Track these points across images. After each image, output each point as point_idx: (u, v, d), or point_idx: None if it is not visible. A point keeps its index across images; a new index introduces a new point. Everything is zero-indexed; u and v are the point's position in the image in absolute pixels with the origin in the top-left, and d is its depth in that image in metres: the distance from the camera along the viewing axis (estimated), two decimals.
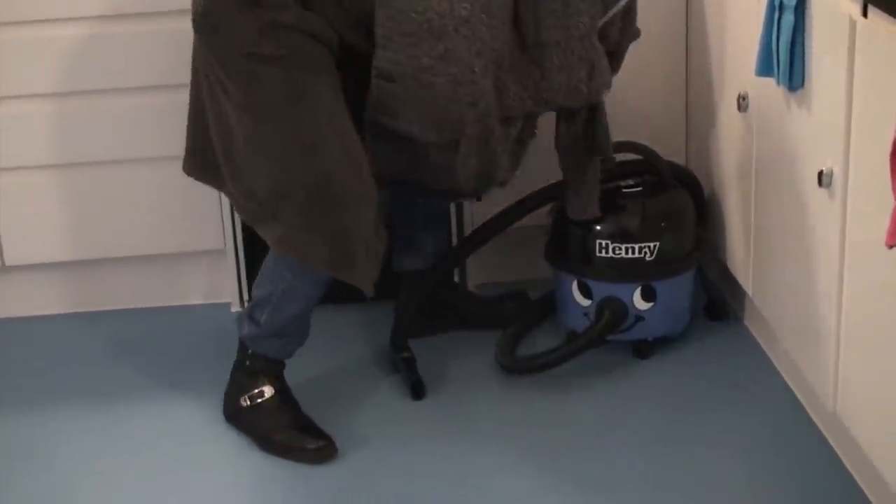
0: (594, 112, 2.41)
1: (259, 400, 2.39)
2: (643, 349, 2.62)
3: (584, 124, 2.42)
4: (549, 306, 2.73)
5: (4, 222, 2.83)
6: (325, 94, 2.21)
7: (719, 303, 2.77)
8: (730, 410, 2.44)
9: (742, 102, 2.43)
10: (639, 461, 2.30)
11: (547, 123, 2.44)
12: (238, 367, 2.43)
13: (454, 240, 2.80)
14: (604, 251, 2.54)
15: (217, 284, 2.93)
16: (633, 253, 2.53)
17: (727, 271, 2.70)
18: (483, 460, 2.32)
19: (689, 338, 2.67)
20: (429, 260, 2.66)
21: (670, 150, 2.74)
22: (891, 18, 1.82)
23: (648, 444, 2.35)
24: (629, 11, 2.38)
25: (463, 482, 2.27)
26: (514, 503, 2.21)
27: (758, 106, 2.39)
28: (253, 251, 2.80)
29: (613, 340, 2.60)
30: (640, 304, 2.57)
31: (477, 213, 2.76)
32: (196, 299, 2.94)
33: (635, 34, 2.43)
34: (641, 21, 2.44)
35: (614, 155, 2.52)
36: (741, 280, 2.61)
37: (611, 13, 2.32)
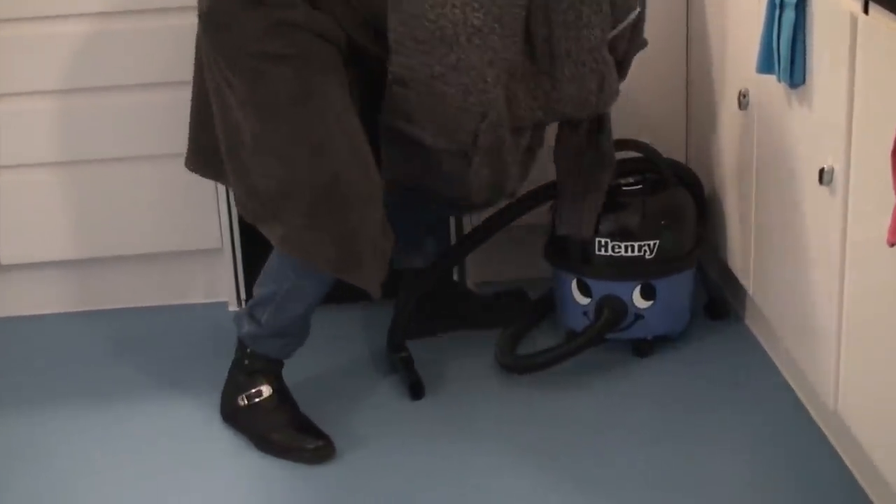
0: (600, 122, 2.41)
1: (257, 399, 2.38)
2: (643, 348, 2.62)
3: (588, 134, 2.42)
4: (548, 305, 2.73)
5: (2, 221, 2.82)
6: (333, 93, 2.20)
7: (719, 301, 2.76)
8: (730, 409, 2.44)
9: (743, 100, 2.42)
10: (638, 460, 2.30)
11: (549, 128, 2.44)
12: (236, 366, 2.42)
13: (453, 238, 2.80)
14: (603, 249, 2.53)
15: (214, 283, 2.92)
16: (633, 251, 2.53)
17: (727, 270, 2.69)
18: (482, 460, 2.31)
19: (689, 337, 2.67)
20: (429, 258, 2.66)
21: (670, 148, 2.74)
22: (892, 15, 1.82)
23: (648, 443, 2.35)
24: (637, 23, 2.39)
25: (462, 482, 2.26)
26: (513, 502, 2.21)
27: (758, 103, 2.38)
28: (250, 250, 2.79)
29: (613, 339, 2.60)
30: (640, 302, 2.56)
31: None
32: (193, 298, 2.93)
33: (642, 44, 2.44)
34: None
35: (614, 153, 2.51)
36: (741, 278, 2.60)
37: (621, 26, 2.34)
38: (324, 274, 2.28)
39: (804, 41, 2.12)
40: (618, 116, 2.51)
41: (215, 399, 2.45)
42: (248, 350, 2.39)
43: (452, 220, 2.81)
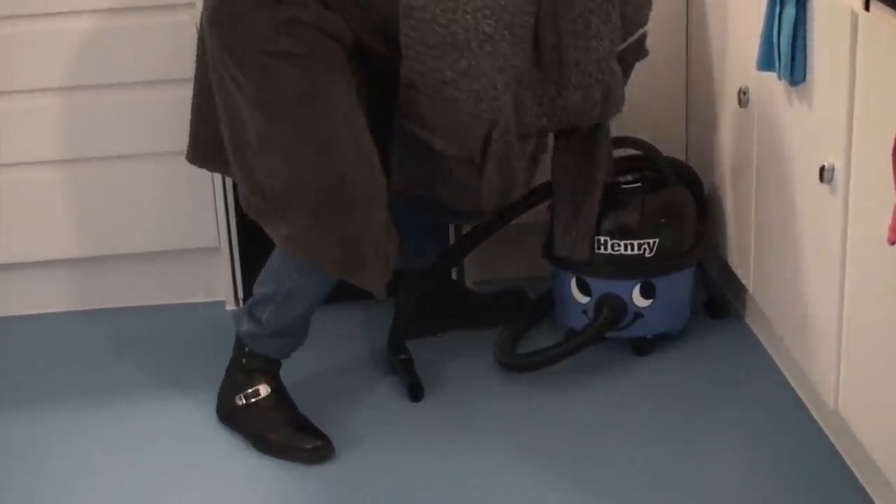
0: (599, 130, 2.42)
1: (255, 399, 2.37)
2: (642, 347, 2.61)
3: (584, 142, 2.42)
4: (547, 304, 2.72)
5: (1, 219, 2.81)
6: (340, 93, 2.20)
7: (720, 300, 2.76)
8: (730, 408, 2.44)
9: (743, 97, 2.42)
10: (638, 459, 2.30)
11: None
12: (234, 365, 2.41)
13: (452, 238, 2.79)
14: (603, 248, 2.52)
15: (211, 282, 2.91)
16: (633, 249, 2.52)
17: (727, 268, 2.69)
18: (482, 459, 2.31)
19: (689, 335, 2.66)
20: (429, 258, 2.65)
21: (670, 146, 2.73)
22: (893, 12, 1.81)
23: (648, 442, 2.34)
24: (642, 36, 2.40)
25: (462, 481, 2.26)
26: (513, 501, 2.21)
27: (759, 101, 2.38)
28: (248, 249, 2.79)
29: (612, 338, 2.59)
30: (640, 301, 2.56)
31: None
32: (190, 297, 2.92)
33: (644, 54, 2.45)
34: None
35: (613, 151, 2.51)
36: (741, 277, 2.60)
37: (630, 40, 2.35)
38: (327, 274, 2.27)
39: (805, 38, 2.11)
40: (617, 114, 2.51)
41: (213, 398, 2.44)
42: (247, 349, 2.38)
43: None
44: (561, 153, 2.48)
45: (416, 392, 2.50)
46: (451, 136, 2.25)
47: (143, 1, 2.67)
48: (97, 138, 2.76)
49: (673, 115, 2.83)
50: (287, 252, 2.27)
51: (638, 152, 2.62)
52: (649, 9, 2.42)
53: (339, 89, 2.20)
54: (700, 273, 2.71)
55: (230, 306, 2.87)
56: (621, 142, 2.57)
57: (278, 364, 2.40)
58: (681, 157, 2.81)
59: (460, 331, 2.71)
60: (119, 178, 2.80)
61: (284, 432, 2.35)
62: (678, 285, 2.60)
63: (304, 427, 2.36)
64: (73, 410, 2.52)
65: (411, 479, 2.27)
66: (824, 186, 2.08)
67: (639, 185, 2.57)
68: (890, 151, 1.74)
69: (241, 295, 2.85)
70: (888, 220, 1.76)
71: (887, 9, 1.82)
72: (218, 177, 2.77)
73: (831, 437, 2.29)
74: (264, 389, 2.37)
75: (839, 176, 2.04)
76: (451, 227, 2.80)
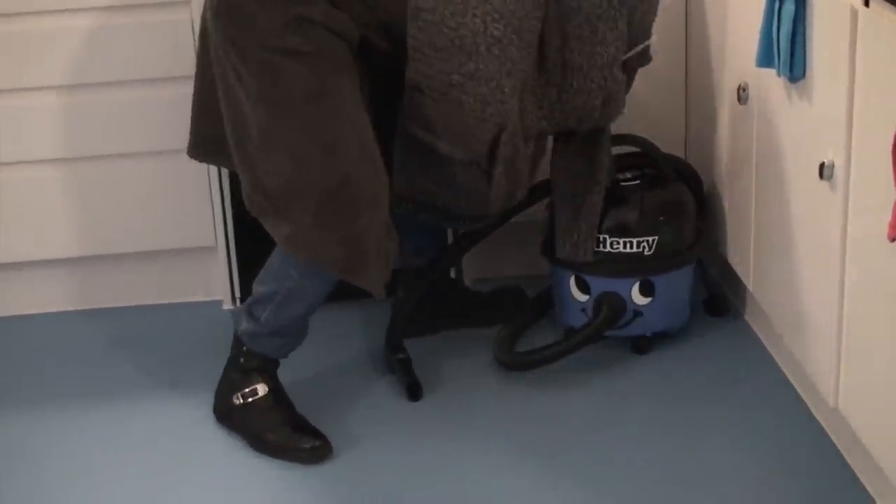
0: (599, 133, 2.42)
1: (252, 398, 2.36)
2: (642, 345, 2.60)
3: (584, 144, 2.42)
4: (546, 302, 2.71)
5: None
6: (346, 92, 2.19)
7: (719, 298, 2.75)
8: (730, 406, 2.43)
9: (742, 94, 2.41)
10: (637, 457, 2.29)
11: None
12: (231, 364, 2.40)
13: (450, 236, 2.78)
14: (602, 246, 2.51)
15: (208, 282, 2.90)
16: (632, 247, 2.51)
17: (727, 266, 2.68)
18: (481, 458, 2.31)
19: (689, 333, 2.65)
20: (427, 257, 2.64)
21: (669, 143, 2.73)
22: (893, 8, 1.81)
23: (647, 440, 2.34)
24: (647, 46, 2.41)
25: (461, 480, 2.25)
26: (513, 501, 2.20)
27: (758, 97, 2.37)
28: (245, 248, 2.78)
29: (611, 336, 2.58)
30: (639, 299, 2.55)
31: None
32: (187, 296, 2.91)
33: (647, 61, 2.45)
34: None
35: (613, 148, 2.51)
36: (741, 274, 2.59)
37: (635, 50, 2.36)
38: (328, 274, 2.26)
39: (804, 34, 2.11)
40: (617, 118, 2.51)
41: (211, 398, 2.44)
42: (245, 348, 2.37)
43: None
44: (560, 155, 2.48)
45: (414, 392, 2.49)
46: (457, 140, 2.25)
47: None
48: (93, 137, 2.75)
49: (672, 111, 2.82)
50: (288, 252, 2.26)
51: (637, 149, 2.61)
52: (654, 16, 2.42)
53: (346, 88, 2.19)
54: (699, 271, 2.71)
55: (227, 305, 2.86)
56: (620, 139, 2.56)
57: (276, 364, 2.40)
58: (680, 154, 2.80)
59: (459, 329, 2.70)
60: (115, 176, 2.79)
61: (282, 432, 2.34)
62: (677, 283, 2.59)
63: (302, 427, 2.35)
64: (71, 410, 2.51)
65: (410, 479, 2.26)
66: (824, 183, 2.07)
67: (638, 182, 2.57)
68: (890, 148, 1.74)
69: (238, 294, 2.85)
70: (888, 217, 1.76)
71: (887, 5, 1.81)
72: (215, 176, 2.77)
73: (831, 435, 2.29)
74: (262, 389, 2.36)
75: (839, 173, 2.03)
76: None
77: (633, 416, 2.42)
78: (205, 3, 2.26)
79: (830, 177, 2.05)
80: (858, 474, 2.18)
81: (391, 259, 2.28)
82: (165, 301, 2.91)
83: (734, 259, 2.63)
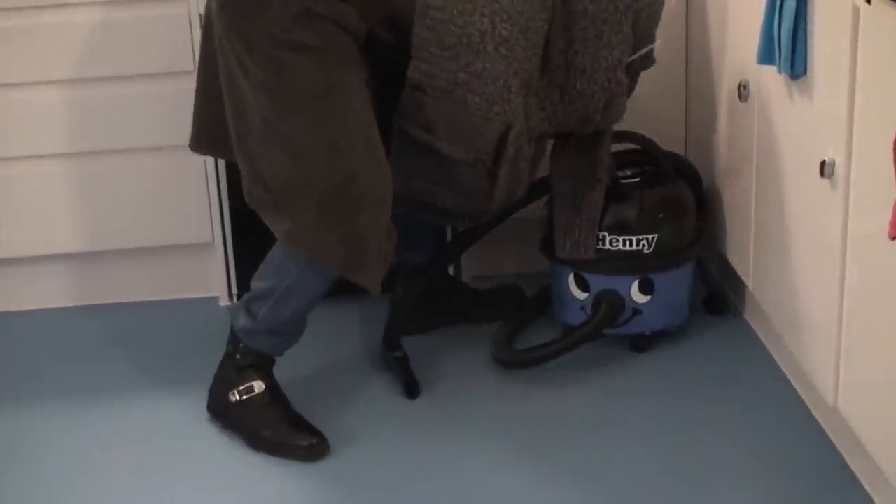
0: (600, 133, 2.42)
1: (249, 395, 2.35)
2: (641, 343, 2.60)
3: (584, 143, 2.42)
4: (545, 300, 2.71)
5: None
6: (353, 89, 2.18)
7: (719, 296, 2.74)
8: (729, 405, 2.43)
9: (743, 91, 2.40)
10: (636, 455, 2.29)
11: None
12: (227, 361, 2.39)
13: (449, 234, 2.77)
14: (601, 243, 2.50)
15: (205, 278, 2.89)
16: (631, 245, 2.51)
17: (727, 264, 2.68)
18: (479, 456, 2.30)
19: (688, 332, 2.65)
20: (426, 255, 2.64)
21: (669, 140, 2.72)
22: (894, 4, 1.80)
23: (646, 438, 2.33)
24: (651, 49, 2.41)
25: (460, 477, 2.25)
26: (511, 498, 2.20)
27: (759, 94, 2.36)
28: (242, 245, 2.77)
29: (611, 334, 2.58)
30: (638, 297, 2.54)
31: None
32: (184, 293, 2.90)
33: (651, 64, 2.45)
34: None
35: (613, 145, 2.50)
36: (741, 273, 2.59)
37: (639, 53, 2.36)
38: (328, 271, 2.25)
39: (805, 31, 2.10)
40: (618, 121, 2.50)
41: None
42: (241, 345, 2.36)
43: None
44: (559, 154, 2.47)
45: (411, 390, 2.48)
46: (460, 139, 2.24)
47: None
48: (90, 133, 2.74)
49: (672, 109, 2.81)
50: (288, 248, 2.25)
51: (637, 146, 2.60)
52: (659, 20, 2.42)
53: (353, 85, 2.18)
54: (699, 269, 2.70)
55: (224, 302, 2.86)
56: (620, 136, 2.55)
57: (273, 361, 2.38)
58: (680, 151, 2.79)
59: (457, 327, 2.69)
60: (112, 172, 2.78)
61: (279, 429, 2.33)
62: (677, 281, 2.58)
63: (299, 424, 2.34)
64: (69, 407, 2.51)
65: (408, 476, 2.26)
66: (825, 181, 2.06)
67: (637, 179, 2.56)
68: (891, 146, 1.73)
69: (235, 291, 2.84)
70: (889, 215, 1.75)
71: (888, 2, 1.81)
72: (212, 171, 2.76)
73: (830, 434, 2.28)
74: (258, 386, 2.35)
75: (840, 170, 2.03)
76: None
77: (632, 414, 2.41)
78: None
79: (831, 175, 2.04)
80: (857, 473, 2.18)
81: (389, 258, 2.27)
82: (162, 297, 2.90)
83: (734, 257, 2.62)
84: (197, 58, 2.64)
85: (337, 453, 2.31)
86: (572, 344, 2.51)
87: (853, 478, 2.17)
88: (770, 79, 2.26)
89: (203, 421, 2.42)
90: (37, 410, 2.50)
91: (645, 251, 2.52)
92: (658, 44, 2.42)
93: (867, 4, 1.88)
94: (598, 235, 2.50)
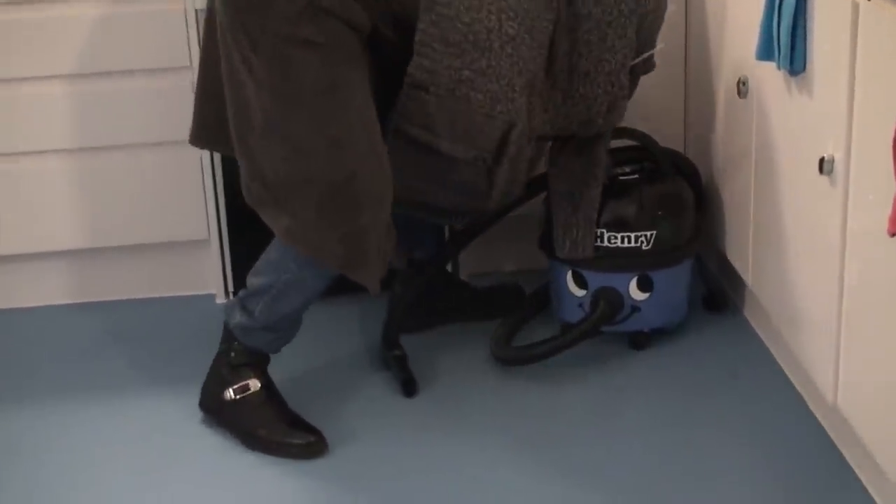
0: (601, 135, 2.42)
1: (244, 394, 2.34)
2: (639, 340, 2.59)
3: (583, 143, 2.42)
4: (543, 298, 2.70)
5: None
6: (357, 87, 2.17)
7: (718, 293, 2.74)
8: (728, 402, 2.42)
9: (742, 88, 2.40)
10: (635, 453, 2.28)
11: None
12: (221, 359, 2.37)
13: (447, 231, 2.76)
14: (599, 240, 2.50)
15: (201, 275, 2.88)
16: (630, 242, 2.50)
17: (726, 261, 2.67)
18: (478, 453, 2.30)
19: (687, 329, 2.64)
20: (424, 253, 2.63)
21: (668, 137, 2.71)
22: (894, 1, 1.78)
23: (644, 435, 2.33)
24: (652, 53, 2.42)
25: (458, 475, 2.24)
26: (510, 495, 2.19)
27: (758, 91, 2.35)
28: (238, 242, 2.76)
29: (609, 332, 2.57)
30: (637, 294, 2.53)
31: None
32: (180, 290, 2.89)
33: (651, 68, 2.46)
34: None
35: (611, 141, 2.49)
36: (740, 270, 2.58)
37: (641, 58, 2.36)
38: (328, 269, 2.24)
39: (805, 27, 2.10)
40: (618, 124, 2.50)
41: None
42: (236, 342, 2.35)
43: None
44: (558, 153, 2.47)
45: (409, 388, 2.48)
46: (461, 137, 2.23)
47: None
48: (85, 129, 2.73)
49: (671, 105, 2.81)
50: (286, 244, 2.24)
51: (635, 143, 2.59)
52: (661, 24, 2.43)
53: (357, 82, 2.17)
54: (698, 266, 2.70)
55: (221, 299, 2.85)
56: (619, 133, 2.54)
57: (267, 359, 2.37)
58: (679, 148, 2.79)
59: (456, 324, 2.69)
60: (107, 169, 2.77)
61: (275, 428, 2.32)
62: (676, 278, 2.58)
63: (296, 422, 2.33)
64: (66, 404, 2.50)
65: (406, 474, 2.25)
66: (824, 178, 2.06)
67: (636, 176, 2.55)
68: (890, 142, 1.73)
69: (231, 288, 2.83)
70: (888, 212, 1.75)
71: None
72: (208, 168, 2.75)
73: (829, 432, 2.28)
74: (254, 384, 2.34)
75: (839, 167, 2.02)
76: None
77: (631, 411, 2.41)
78: None
79: (830, 171, 2.04)
80: (857, 471, 2.17)
81: (388, 256, 2.26)
82: (158, 294, 2.89)
83: (733, 254, 2.61)
84: (193, 54, 2.65)
85: (335, 451, 2.31)
86: (571, 341, 2.50)
87: (852, 475, 2.17)
88: (769, 75, 2.25)
89: (201, 418, 2.41)
90: (35, 408, 2.50)
91: (643, 248, 2.51)
92: (661, 48, 2.43)
93: (866, 1, 1.87)
94: (596, 233, 2.49)
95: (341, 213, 2.18)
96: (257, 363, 2.36)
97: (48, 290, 2.89)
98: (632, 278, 2.53)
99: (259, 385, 2.34)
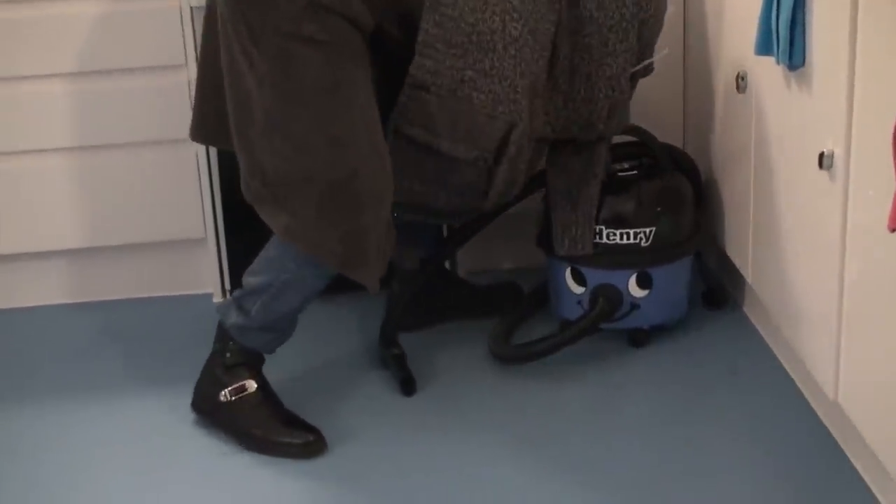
0: (601, 139, 2.43)
1: (241, 395, 2.32)
2: (639, 338, 2.58)
3: (582, 144, 2.42)
4: (542, 295, 2.69)
5: None
6: (360, 85, 2.16)
7: (718, 290, 2.73)
8: (728, 399, 2.42)
9: (741, 82, 2.39)
10: (634, 450, 2.28)
11: None
12: (215, 359, 2.35)
13: (445, 229, 2.76)
14: (598, 237, 2.49)
15: (198, 274, 2.87)
16: (629, 238, 2.49)
17: (726, 257, 2.66)
18: (477, 451, 2.29)
19: (687, 326, 2.64)
20: (422, 251, 2.62)
21: (667, 132, 2.70)
22: None
23: (644, 432, 2.33)
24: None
25: (458, 473, 2.24)
26: (509, 493, 2.19)
27: (757, 86, 2.35)
28: (234, 240, 2.75)
29: (608, 329, 2.56)
30: (636, 291, 2.53)
31: None
32: (176, 289, 2.89)
33: (650, 72, 2.46)
34: None
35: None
36: (740, 266, 2.57)
37: (643, 64, 2.37)
38: (327, 268, 2.23)
39: (804, 21, 2.09)
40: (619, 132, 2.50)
41: None
42: (231, 342, 2.33)
43: None
44: (556, 151, 2.46)
45: (408, 387, 2.47)
46: (462, 137, 2.23)
47: None
48: (79, 128, 2.72)
49: (670, 100, 2.80)
50: (286, 242, 2.23)
51: (634, 139, 2.59)
52: (660, 30, 2.43)
53: (359, 80, 2.16)
54: (697, 263, 2.69)
55: (217, 298, 2.84)
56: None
57: (262, 359, 2.36)
58: (678, 143, 2.78)
59: (454, 322, 2.68)
60: (102, 168, 2.76)
61: (273, 428, 2.31)
62: (675, 275, 2.57)
63: (293, 422, 2.32)
64: (65, 404, 2.49)
65: (405, 472, 2.25)
66: (823, 173, 2.05)
67: (635, 172, 2.55)
68: (890, 137, 1.72)
69: (228, 287, 2.82)
70: (889, 207, 1.74)
71: None
72: (204, 166, 2.74)
73: (830, 428, 2.27)
74: (250, 385, 2.32)
75: (839, 162, 2.01)
76: None
77: (630, 408, 2.40)
78: None
79: (830, 167, 2.03)
80: (858, 467, 2.17)
81: (388, 255, 2.26)
82: (155, 294, 2.89)
83: (732, 251, 2.61)
84: (188, 51, 2.64)
85: (334, 450, 2.30)
86: (570, 339, 2.50)
87: (853, 471, 2.16)
88: (768, 70, 2.24)
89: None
90: (33, 407, 2.49)
91: (643, 245, 2.50)
92: (665, 53, 2.44)
93: None
94: (594, 230, 2.48)
95: (342, 211, 2.17)
96: (252, 363, 2.34)
97: (46, 290, 2.88)
98: (631, 275, 2.52)
99: (255, 386, 2.33)
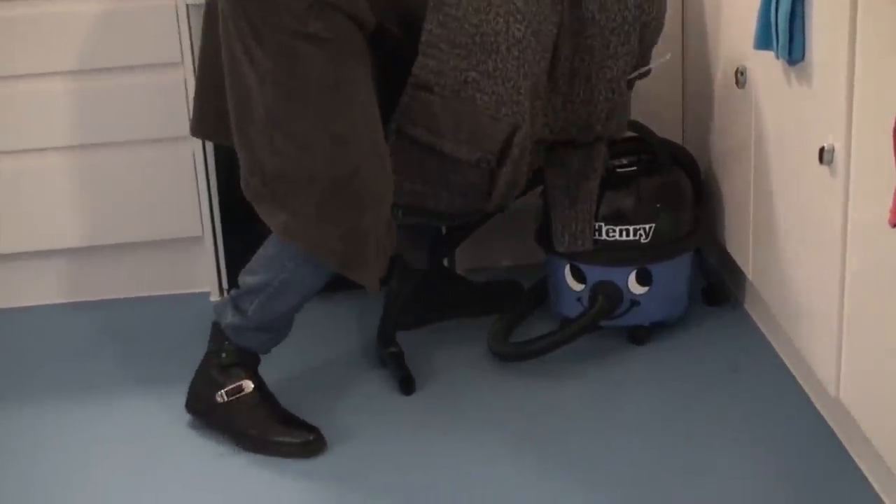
0: (600, 139, 2.42)
1: (237, 395, 2.31)
2: (639, 335, 2.57)
3: (581, 144, 2.41)
4: (542, 293, 2.69)
5: None
6: (362, 84, 2.16)
7: (718, 286, 2.72)
8: (729, 396, 2.41)
9: (740, 77, 2.38)
10: (634, 447, 2.27)
11: None
12: (210, 359, 2.34)
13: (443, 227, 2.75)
14: (597, 233, 2.48)
15: (196, 273, 2.87)
16: (628, 235, 2.48)
17: (726, 254, 2.66)
18: (476, 449, 2.29)
19: (687, 323, 2.63)
20: (423, 249, 2.61)
21: (666, 128, 2.70)
22: None
23: (644, 430, 2.32)
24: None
25: (457, 472, 2.23)
26: (509, 491, 2.18)
27: (756, 81, 2.34)
28: (232, 239, 2.75)
29: (608, 326, 2.56)
30: (636, 288, 2.52)
31: None
32: (174, 288, 2.88)
33: (647, 74, 2.46)
34: None
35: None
36: (740, 262, 2.57)
37: (643, 69, 2.37)
38: (326, 267, 2.22)
39: (803, 16, 2.08)
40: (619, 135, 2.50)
41: None
42: (227, 343, 2.32)
43: None
44: (555, 149, 2.44)
45: (407, 386, 2.46)
46: (465, 138, 2.23)
47: None
48: (76, 126, 2.71)
49: (669, 96, 2.80)
50: (285, 241, 2.22)
51: (633, 134, 2.58)
52: (660, 35, 2.43)
53: (361, 79, 2.16)
54: (697, 259, 2.68)
55: (215, 297, 2.84)
56: None
57: (258, 359, 2.35)
58: (677, 139, 2.78)
59: (453, 320, 2.68)
60: (100, 166, 2.75)
61: (271, 428, 2.30)
62: (675, 272, 2.56)
63: (292, 421, 2.32)
64: (62, 404, 2.49)
65: (404, 471, 2.24)
66: (824, 168, 2.04)
67: (634, 168, 2.54)
68: (891, 131, 1.72)
69: (225, 286, 2.82)
70: (889, 202, 1.74)
71: None
72: (201, 165, 2.74)
73: (832, 425, 2.27)
74: (247, 385, 2.31)
75: (839, 157, 2.00)
76: None
77: (630, 406, 2.40)
78: None
79: (830, 161, 2.02)
80: (860, 464, 2.16)
81: (388, 256, 2.25)
82: (152, 293, 2.88)
83: (733, 247, 2.60)
84: (184, 49, 2.64)
85: (332, 449, 2.29)
86: (569, 336, 2.49)
87: (855, 467, 2.16)
88: (767, 64, 2.24)
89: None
90: (31, 407, 2.49)
91: (642, 241, 2.49)
92: (667, 58, 2.44)
93: None
94: (594, 226, 2.47)
95: (343, 210, 2.16)
96: (249, 363, 2.33)
97: (43, 289, 2.87)
98: (631, 272, 2.51)
99: (252, 386, 2.32)
